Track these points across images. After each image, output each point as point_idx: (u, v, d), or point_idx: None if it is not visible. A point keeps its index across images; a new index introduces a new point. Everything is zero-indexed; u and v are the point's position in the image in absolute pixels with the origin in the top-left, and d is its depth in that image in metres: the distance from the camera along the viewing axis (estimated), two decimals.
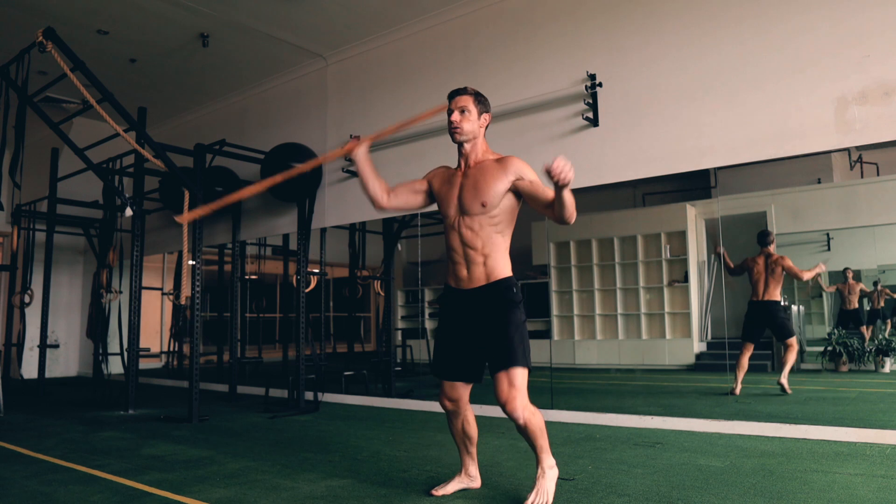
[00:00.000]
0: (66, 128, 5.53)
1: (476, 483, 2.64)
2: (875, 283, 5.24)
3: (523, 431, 2.33)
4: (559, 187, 2.06)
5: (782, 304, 5.08)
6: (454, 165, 2.54)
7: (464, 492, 2.61)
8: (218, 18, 5.49)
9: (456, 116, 2.39)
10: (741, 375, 4.92)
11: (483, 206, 2.33)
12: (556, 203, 2.15)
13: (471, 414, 2.55)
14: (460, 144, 2.44)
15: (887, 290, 5.22)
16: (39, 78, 5.76)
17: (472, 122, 2.40)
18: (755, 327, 5.10)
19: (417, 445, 3.63)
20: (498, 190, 2.33)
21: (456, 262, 2.41)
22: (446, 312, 2.50)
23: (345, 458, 3.35)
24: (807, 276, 5.10)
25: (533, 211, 2.38)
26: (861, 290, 5.28)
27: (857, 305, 5.30)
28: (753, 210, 5.51)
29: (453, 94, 2.44)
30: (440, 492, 2.55)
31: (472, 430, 2.56)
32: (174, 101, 7.46)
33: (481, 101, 2.44)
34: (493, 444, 3.67)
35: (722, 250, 5.37)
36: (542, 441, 2.38)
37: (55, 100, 6.76)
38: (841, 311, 5.39)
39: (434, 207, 2.55)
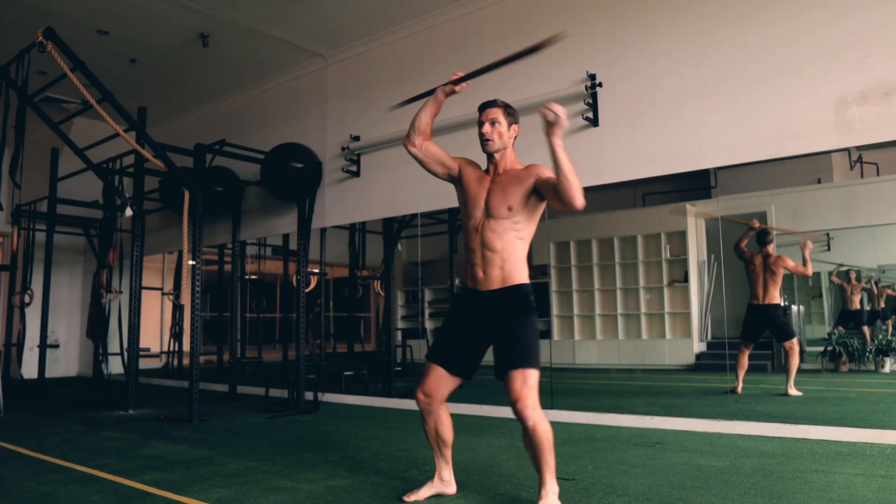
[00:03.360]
0: (66, 128, 5.52)
1: (450, 489, 2.57)
2: (876, 283, 5.24)
3: (531, 438, 2.24)
4: (552, 142, 2.11)
5: (782, 305, 5.06)
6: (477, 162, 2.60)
7: (462, 492, 2.61)
8: (218, 18, 5.49)
9: (487, 128, 2.47)
10: (742, 374, 4.92)
11: (509, 209, 2.37)
12: (557, 173, 2.15)
13: (445, 414, 2.51)
14: (490, 155, 2.50)
15: (888, 290, 5.21)
16: (39, 78, 5.76)
17: (502, 134, 2.47)
18: (754, 329, 5.10)
19: (417, 445, 3.63)
20: (522, 193, 2.38)
21: (474, 263, 2.42)
22: (458, 308, 2.52)
23: (345, 458, 3.35)
24: (810, 269, 5.05)
25: None
26: (864, 289, 5.28)
27: (858, 306, 5.30)
28: (753, 210, 5.50)
29: (484, 107, 2.52)
30: (412, 497, 2.50)
31: (446, 431, 2.52)
32: (174, 101, 7.46)
33: (510, 113, 2.51)
34: (492, 444, 3.68)
35: (757, 225, 5.22)
36: (549, 457, 2.27)
37: (55, 100, 6.76)
38: (843, 311, 5.38)
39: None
